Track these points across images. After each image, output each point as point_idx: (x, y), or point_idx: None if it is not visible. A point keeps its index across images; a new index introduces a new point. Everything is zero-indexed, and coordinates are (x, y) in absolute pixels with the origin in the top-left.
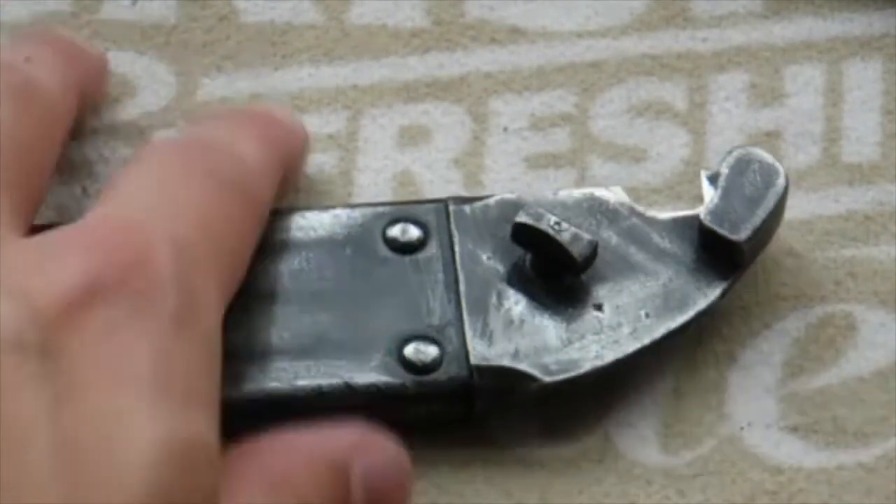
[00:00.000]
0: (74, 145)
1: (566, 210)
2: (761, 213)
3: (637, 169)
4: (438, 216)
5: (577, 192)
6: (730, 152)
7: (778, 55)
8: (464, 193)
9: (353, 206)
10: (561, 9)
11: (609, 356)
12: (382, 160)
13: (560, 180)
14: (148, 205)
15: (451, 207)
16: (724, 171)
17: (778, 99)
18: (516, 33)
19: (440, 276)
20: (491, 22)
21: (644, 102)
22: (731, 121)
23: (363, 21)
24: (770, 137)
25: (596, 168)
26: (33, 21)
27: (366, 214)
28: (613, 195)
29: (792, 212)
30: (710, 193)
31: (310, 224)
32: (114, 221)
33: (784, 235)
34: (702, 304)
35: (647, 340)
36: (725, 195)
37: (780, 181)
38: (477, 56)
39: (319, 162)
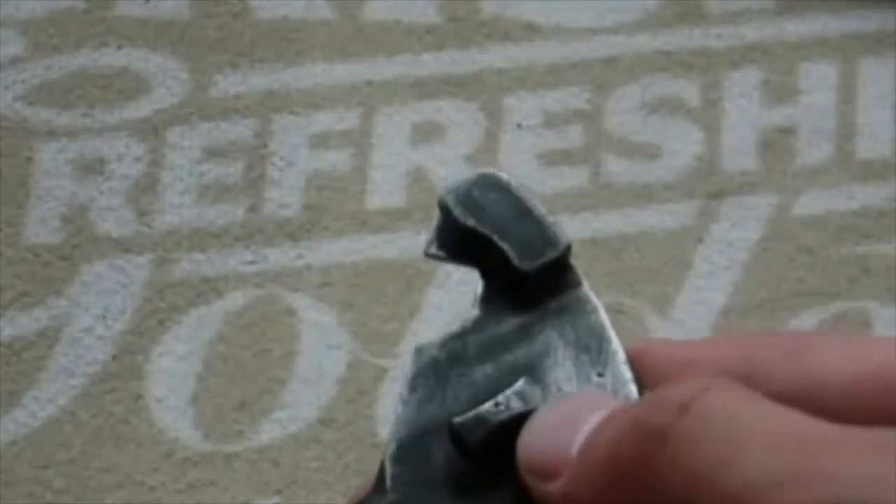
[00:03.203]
0: (89, 142)
1: None
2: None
3: (650, 165)
4: None
5: None
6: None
7: (791, 52)
8: None
9: None
10: (575, 5)
11: None
12: (396, 157)
13: (574, 177)
14: None
15: None
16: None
17: (792, 95)
18: (530, 30)
19: None
20: (505, 19)
21: (658, 99)
22: (744, 117)
23: (377, 17)
24: (783, 134)
25: (609, 164)
26: (48, 17)
27: None
28: None
29: (806, 208)
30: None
31: None
32: None
33: (798, 232)
34: None
35: None
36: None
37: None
38: (491, 53)
39: (333, 158)
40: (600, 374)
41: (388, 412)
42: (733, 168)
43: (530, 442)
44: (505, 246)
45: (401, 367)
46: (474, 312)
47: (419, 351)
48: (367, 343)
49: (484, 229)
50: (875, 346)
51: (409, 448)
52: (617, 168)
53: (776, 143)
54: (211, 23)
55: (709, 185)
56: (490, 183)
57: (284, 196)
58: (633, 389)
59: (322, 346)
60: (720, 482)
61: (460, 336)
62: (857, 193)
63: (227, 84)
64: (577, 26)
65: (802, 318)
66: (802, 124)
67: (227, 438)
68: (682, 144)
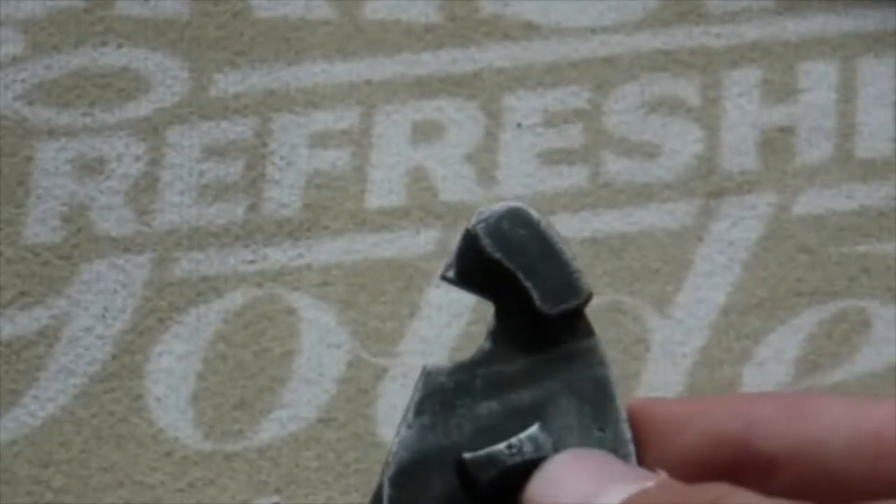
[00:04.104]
0: (89, 142)
1: None
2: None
3: (650, 164)
4: None
5: None
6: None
7: (791, 51)
8: (477, 189)
9: None
10: (574, 5)
11: None
12: (396, 156)
13: (573, 176)
14: None
15: None
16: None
17: (791, 95)
18: (530, 29)
19: None
20: (505, 17)
21: (657, 98)
22: (744, 116)
23: (377, 17)
24: (783, 133)
25: (609, 164)
26: (48, 17)
27: None
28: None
29: (806, 207)
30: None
31: None
32: None
33: (798, 231)
34: None
35: None
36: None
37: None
38: (490, 52)
39: (333, 158)
40: (601, 429)
41: (388, 411)
42: (733, 167)
43: (541, 496)
44: (529, 285)
45: (400, 366)
46: (486, 345)
47: (428, 374)
48: (366, 342)
49: (510, 265)
50: (874, 406)
51: (409, 473)
52: (617, 167)
53: (776, 143)
54: (211, 22)
55: (708, 185)
56: (520, 218)
57: (284, 195)
58: (632, 450)
59: (322, 345)
60: None
61: (469, 367)
62: (856, 193)
63: (227, 83)
64: (577, 25)
65: (802, 317)
66: (802, 123)
67: (226, 438)
68: (681, 143)
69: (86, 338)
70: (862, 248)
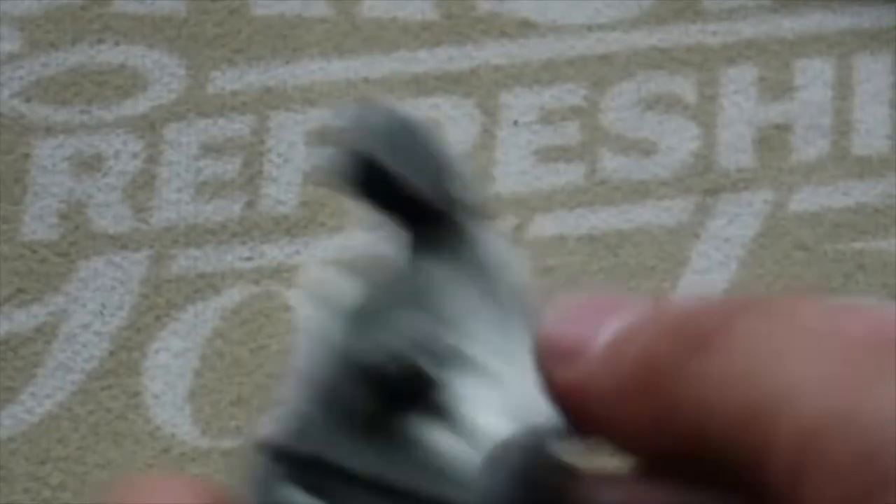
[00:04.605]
0: (86, 139)
1: None
2: None
3: (647, 162)
4: None
5: None
6: None
7: (787, 48)
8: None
9: None
10: (571, 3)
11: None
12: None
13: (570, 173)
14: None
15: None
16: None
17: (788, 92)
18: (526, 27)
19: None
20: (501, 15)
21: (654, 95)
22: (740, 114)
23: (373, 14)
24: (780, 130)
25: (606, 161)
26: (45, 14)
27: None
28: None
29: (802, 204)
30: None
31: None
32: None
33: (794, 228)
34: None
35: None
36: None
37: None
38: (487, 49)
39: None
40: (521, 332)
41: None
42: (729, 164)
43: (551, 326)
44: (422, 186)
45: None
46: (390, 260)
47: (334, 299)
48: None
49: (400, 170)
50: (853, 318)
51: (320, 391)
52: (613, 164)
53: (772, 140)
54: (208, 19)
55: (705, 182)
56: (403, 125)
57: (281, 192)
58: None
59: None
60: (757, 386)
61: (379, 284)
62: (852, 190)
63: (224, 81)
64: (573, 23)
65: None
66: (798, 121)
67: (223, 434)
68: (678, 141)
69: (83, 335)
70: (858, 245)
